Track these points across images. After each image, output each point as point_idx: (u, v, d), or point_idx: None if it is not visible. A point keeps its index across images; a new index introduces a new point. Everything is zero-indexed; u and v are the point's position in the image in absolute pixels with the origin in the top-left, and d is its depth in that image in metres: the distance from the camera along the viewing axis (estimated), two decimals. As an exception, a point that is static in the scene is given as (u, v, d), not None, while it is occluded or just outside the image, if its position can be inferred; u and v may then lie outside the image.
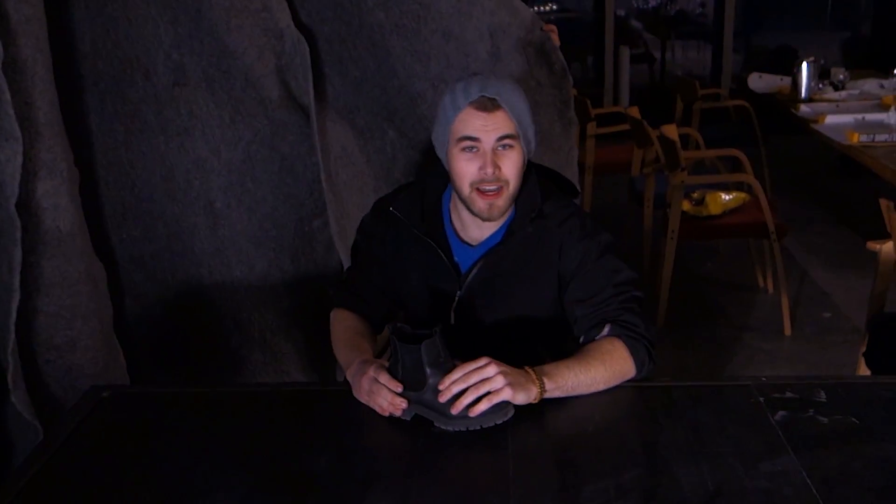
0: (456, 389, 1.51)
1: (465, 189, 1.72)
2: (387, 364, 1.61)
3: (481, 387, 1.50)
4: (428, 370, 1.53)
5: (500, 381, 1.51)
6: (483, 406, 1.50)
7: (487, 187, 1.70)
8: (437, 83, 2.35)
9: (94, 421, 1.62)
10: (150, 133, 2.29)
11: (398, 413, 1.56)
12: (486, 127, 1.68)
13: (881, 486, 1.33)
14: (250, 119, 2.30)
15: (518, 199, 1.76)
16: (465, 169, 1.71)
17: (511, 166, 1.71)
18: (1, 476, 1.87)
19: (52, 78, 1.97)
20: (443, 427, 1.52)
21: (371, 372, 1.59)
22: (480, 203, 1.72)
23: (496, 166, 1.69)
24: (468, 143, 1.69)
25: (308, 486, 1.38)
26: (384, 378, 1.56)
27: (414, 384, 1.54)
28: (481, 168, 1.69)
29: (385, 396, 1.55)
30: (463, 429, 1.51)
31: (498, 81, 1.70)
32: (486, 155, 1.69)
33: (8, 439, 2.06)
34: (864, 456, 1.42)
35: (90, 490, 1.40)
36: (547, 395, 1.57)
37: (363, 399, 1.60)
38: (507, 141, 1.69)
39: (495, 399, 1.50)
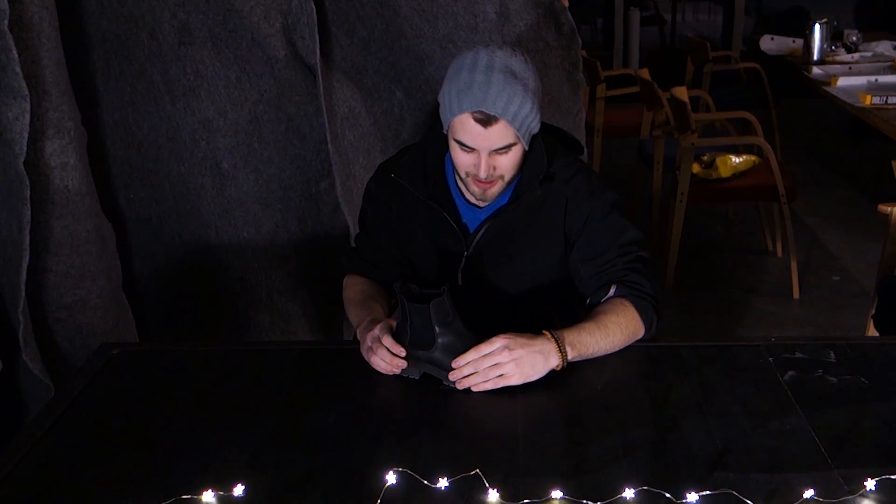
0: (467, 371, 1.51)
1: (461, 174, 1.71)
2: (395, 323, 1.62)
3: (491, 372, 1.50)
4: (437, 329, 1.53)
5: (510, 369, 1.50)
6: (488, 386, 1.51)
7: (482, 180, 1.69)
8: (445, 43, 2.32)
9: (105, 378, 1.63)
10: (155, 93, 2.28)
11: (397, 372, 1.56)
12: (482, 137, 1.63)
13: (889, 444, 1.34)
14: (256, 79, 2.28)
15: (525, 162, 1.75)
16: (461, 160, 1.69)
17: (508, 164, 1.69)
18: (14, 432, 1.89)
19: (58, 36, 1.96)
20: (451, 386, 1.53)
21: (376, 331, 1.60)
22: (474, 188, 1.71)
23: (491, 167, 1.67)
24: (463, 146, 1.66)
25: (318, 442, 1.39)
26: (388, 341, 1.57)
27: (423, 343, 1.55)
28: (475, 167, 1.67)
29: (383, 356, 1.56)
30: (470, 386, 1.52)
31: (499, 88, 1.59)
32: (481, 159, 1.66)
33: (20, 397, 2.08)
34: (872, 415, 1.42)
35: (101, 445, 1.42)
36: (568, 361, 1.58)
37: (366, 357, 1.61)
38: (503, 149, 1.66)
39: (502, 383, 1.51)
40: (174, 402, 1.54)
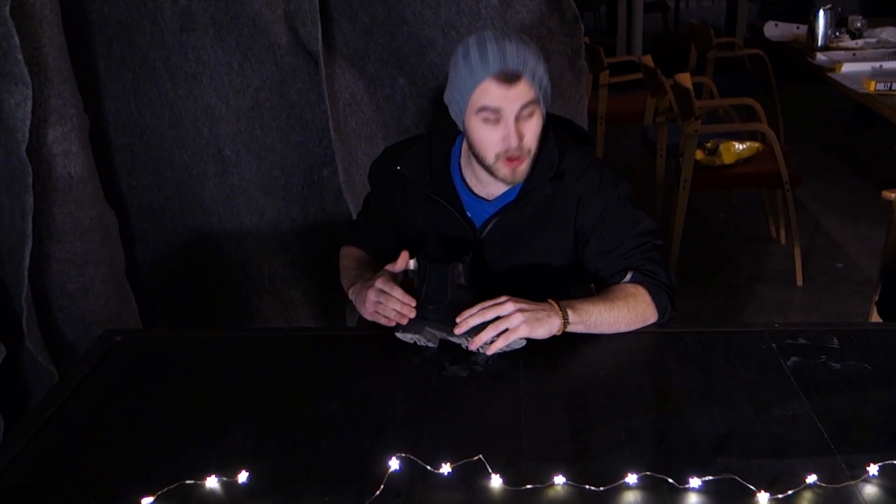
0: (473, 323, 1.54)
1: (490, 158, 1.69)
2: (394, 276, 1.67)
3: (499, 324, 1.53)
4: (450, 289, 1.59)
5: (517, 319, 1.53)
6: (500, 343, 1.53)
7: (512, 156, 1.67)
8: (448, 30, 2.31)
9: (108, 365, 1.63)
10: (158, 80, 2.27)
11: (403, 321, 1.59)
12: (508, 98, 1.62)
13: (892, 430, 1.34)
14: (259, 66, 2.27)
15: (537, 157, 1.73)
16: (488, 139, 1.67)
17: (533, 134, 1.68)
18: (17, 419, 1.90)
19: (60, 23, 1.96)
20: (454, 341, 1.56)
21: (378, 284, 1.62)
22: (506, 170, 1.69)
23: (520, 136, 1.65)
24: (490, 114, 1.64)
25: (321, 428, 1.39)
26: (398, 293, 1.60)
27: (436, 300, 1.60)
28: (504, 139, 1.65)
29: (394, 305, 1.59)
30: (466, 342, 1.56)
31: (515, 47, 1.61)
32: (509, 126, 1.64)
33: (24, 383, 2.08)
34: (875, 401, 1.42)
35: (104, 432, 1.42)
36: (570, 329, 1.59)
37: (368, 313, 1.63)
38: (529, 108, 1.65)
39: (512, 336, 1.53)
40: (177, 389, 1.55)
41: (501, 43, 1.60)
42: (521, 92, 1.62)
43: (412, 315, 1.59)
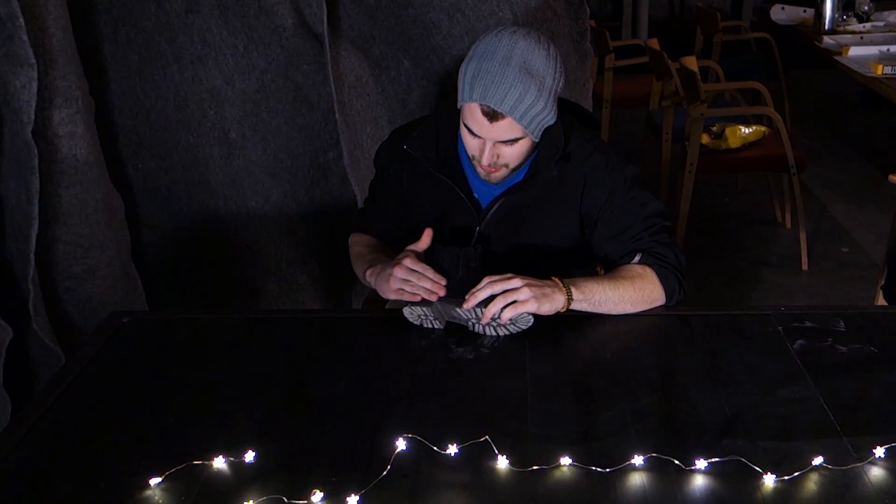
0: (481, 297, 1.54)
1: (469, 154, 1.72)
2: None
3: (507, 296, 1.54)
4: (462, 269, 1.63)
5: (525, 293, 1.54)
6: (508, 314, 1.54)
7: (487, 166, 1.69)
8: (453, 12, 2.30)
9: (115, 346, 1.63)
10: (163, 62, 2.27)
11: (433, 299, 1.58)
12: (486, 130, 1.63)
13: (898, 412, 1.34)
14: (264, 48, 2.27)
15: (541, 140, 1.73)
16: (468, 142, 1.70)
17: (513, 154, 1.68)
18: (25, 400, 1.91)
19: (65, 4, 1.95)
20: (462, 321, 1.58)
21: (407, 263, 1.62)
22: (480, 171, 1.72)
23: (495, 155, 1.67)
24: (470, 131, 1.66)
25: (327, 408, 1.39)
26: (430, 272, 1.60)
27: (446, 278, 1.61)
28: (481, 151, 1.67)
29: (425, 283, 1.59)
30: (473, 320, 1.58)
31: (510, 86, 1.57)
32: (485, 147, 1.65)
33: (31, 365, 2.09)
34: (881, 384, 1.42)
35: (111, 413, 1.43)
36: (574, 306, 1.60)
37: (393, 289, 1.62)
38: (509, 141, 1.65)
39: (521, 309, 1.54)
40: (184, 370, 1.55)
41: (499, 77, 1.58)
42: (503, 129, 1.62)
43: (442, 293, 1.58)
